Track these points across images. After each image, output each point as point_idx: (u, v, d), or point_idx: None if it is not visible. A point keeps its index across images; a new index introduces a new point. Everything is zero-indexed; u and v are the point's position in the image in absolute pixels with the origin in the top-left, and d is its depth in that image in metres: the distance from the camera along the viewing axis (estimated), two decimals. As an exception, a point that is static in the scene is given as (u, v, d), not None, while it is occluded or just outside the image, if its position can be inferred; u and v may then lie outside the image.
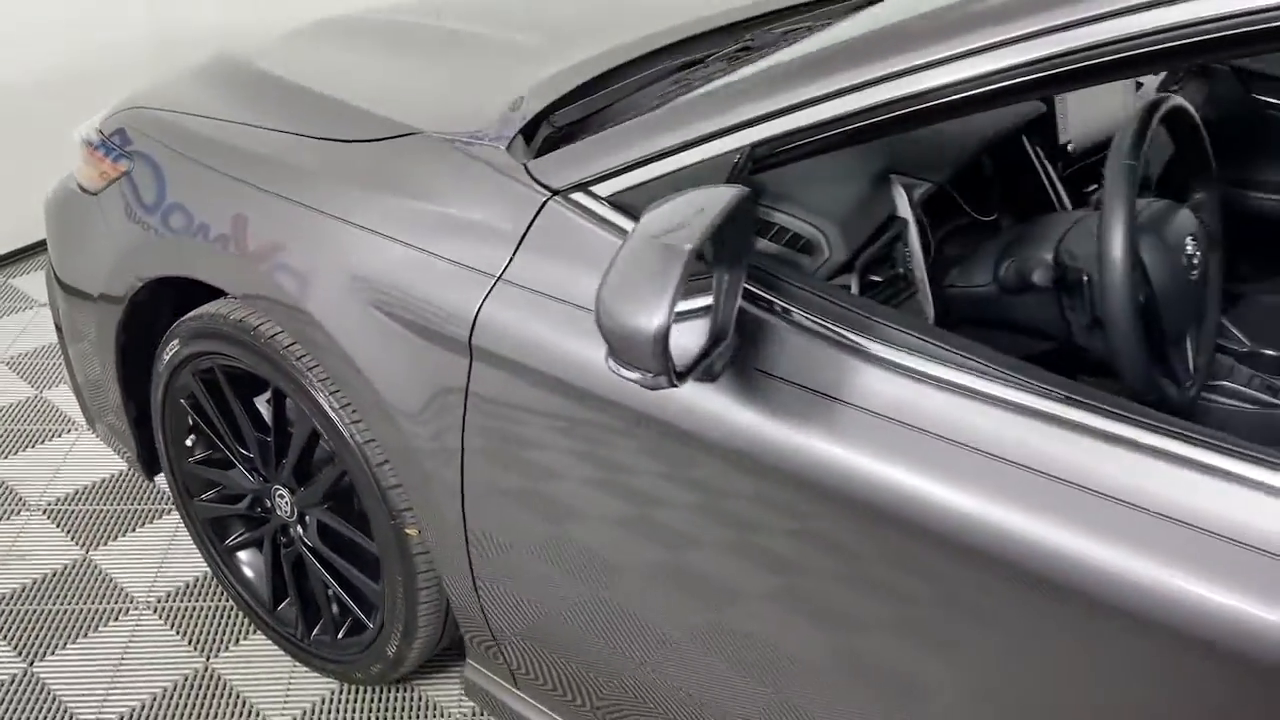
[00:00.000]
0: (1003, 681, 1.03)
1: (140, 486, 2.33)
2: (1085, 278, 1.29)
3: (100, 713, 1.84)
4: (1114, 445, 0.93)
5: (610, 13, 1.93)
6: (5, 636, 1.98)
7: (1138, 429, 0.93)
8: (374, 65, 1.86)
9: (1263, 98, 2.29)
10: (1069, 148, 1.62)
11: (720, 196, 0.99)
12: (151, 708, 1.86)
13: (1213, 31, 0.86)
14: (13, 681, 1.90)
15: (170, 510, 2.20)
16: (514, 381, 1.29)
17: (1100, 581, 0.91)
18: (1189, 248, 1.31)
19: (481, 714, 1.85)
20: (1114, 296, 1.21)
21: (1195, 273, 1.31)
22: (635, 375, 0.96)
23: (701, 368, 1.00)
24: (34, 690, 1.88)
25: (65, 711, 1.84)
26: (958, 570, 1.00)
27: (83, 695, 1.88)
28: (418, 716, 1.86)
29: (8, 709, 1.86)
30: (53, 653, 1.96)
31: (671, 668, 1.30)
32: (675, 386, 0.95)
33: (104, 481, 2.38)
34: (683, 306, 0.98)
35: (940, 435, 1.00)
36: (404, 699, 1.89)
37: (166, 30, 3.49)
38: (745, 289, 1.10)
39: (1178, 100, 1.43)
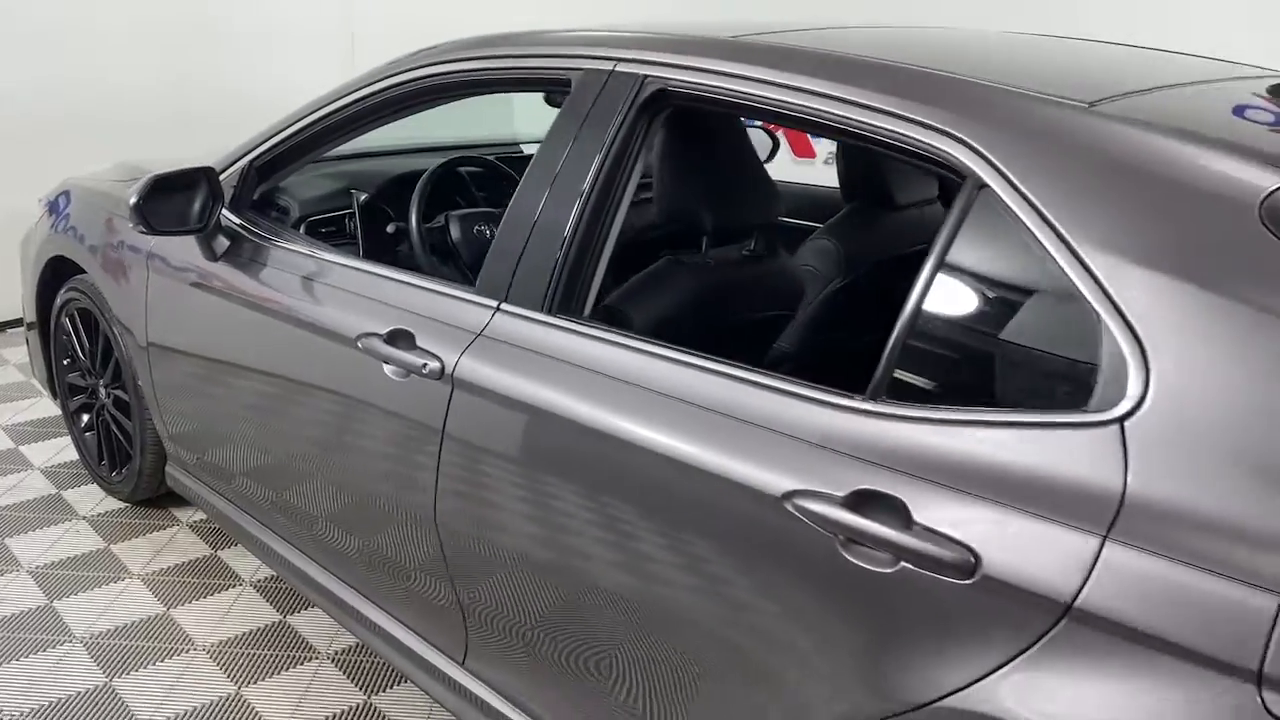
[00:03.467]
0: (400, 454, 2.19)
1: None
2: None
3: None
4: (411, 289, 2.00)
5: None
6: None
7: (433, 283, 2.07)
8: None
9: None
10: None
11: (186, 168, 2.33)
12: None
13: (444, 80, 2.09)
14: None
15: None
16: (164, 278, 2.60)
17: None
18: (479, 228, 2.58)
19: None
20: (414, 241, 2.50)
21: (482, 236, 2.58)
22: (132, 226, 2.28)
23: (174, 234, 2.32)
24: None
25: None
26: (348, 352, 2.14)
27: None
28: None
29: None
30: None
31: (265, 439, 2.45)
32: (151, 234, 2.27)
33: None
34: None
35: (329, 284, 2.18)
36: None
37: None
38: (250, 229, 2.41)
39: (465, 161, 2.77)
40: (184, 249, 2.49)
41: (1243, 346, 1.13)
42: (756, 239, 2.12)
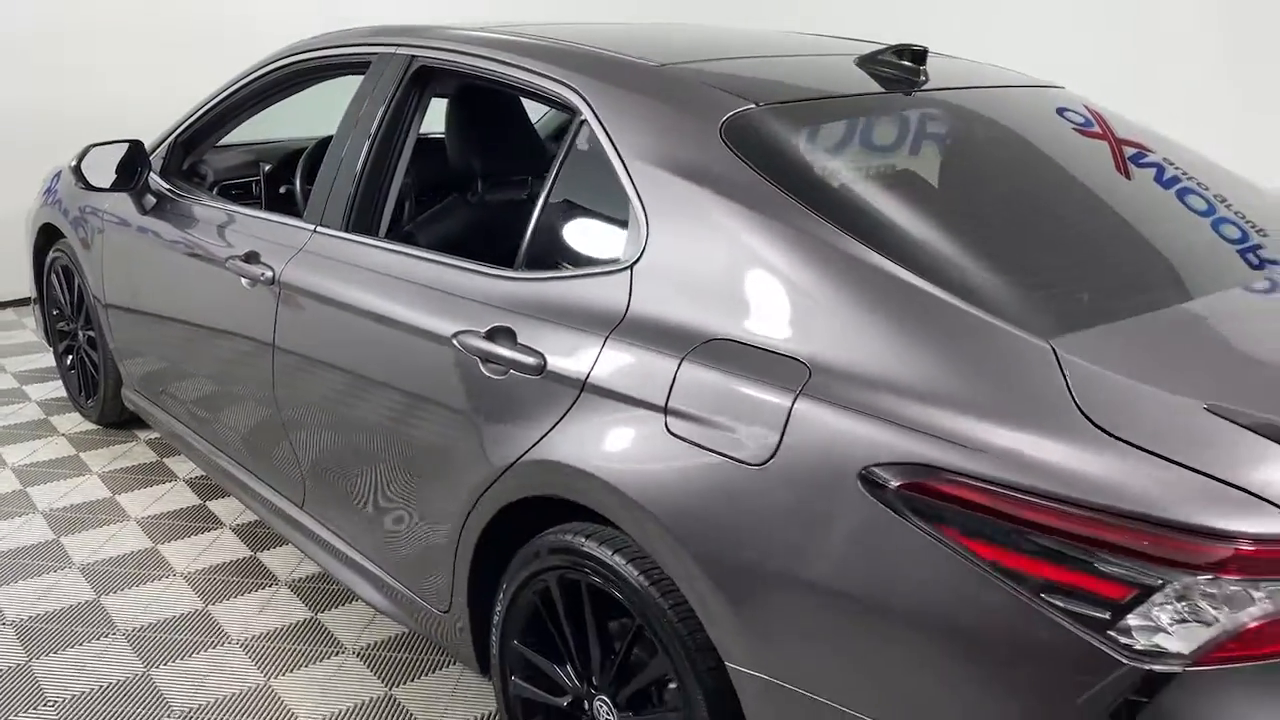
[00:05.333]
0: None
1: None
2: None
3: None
4: (265, 222, 2.72)
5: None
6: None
7: (279, 217, 2.78)
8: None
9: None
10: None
11: (119, 139, 3.01)
12: None
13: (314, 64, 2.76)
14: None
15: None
16: (113, 232, 3.29)
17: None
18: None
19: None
20: (298, 198, 3.15)
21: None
22: (75, 184, 2.96)
23: (107, 191, 3.00)
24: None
25: None
26: (220, 272, 2.85)
27: None
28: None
29: None
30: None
31: (179, 354, 3.16)
32: (87, 190, 2.95)
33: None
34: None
35: (220, 227, 2.86)
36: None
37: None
38: (173, 190, 3.09)
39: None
40: (125, 208, 3.18)
41: (701, 217, 1.72)
42: (533, 186, 2.73)
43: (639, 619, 1.69)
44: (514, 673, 1.99)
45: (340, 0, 5.11)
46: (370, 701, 2.36)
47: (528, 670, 1.96)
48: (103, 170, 3.02)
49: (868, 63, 2.14)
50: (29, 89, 5.42)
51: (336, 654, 2.53)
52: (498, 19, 2.75)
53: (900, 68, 2.11)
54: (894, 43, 2.15)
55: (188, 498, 3.33)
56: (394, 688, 2.41)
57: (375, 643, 2.56)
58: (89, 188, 3.00)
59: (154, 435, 3.79)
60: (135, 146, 3.04)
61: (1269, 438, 1.24)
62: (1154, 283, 1.69)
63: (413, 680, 2.44)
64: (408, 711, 2.32)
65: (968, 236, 1.70)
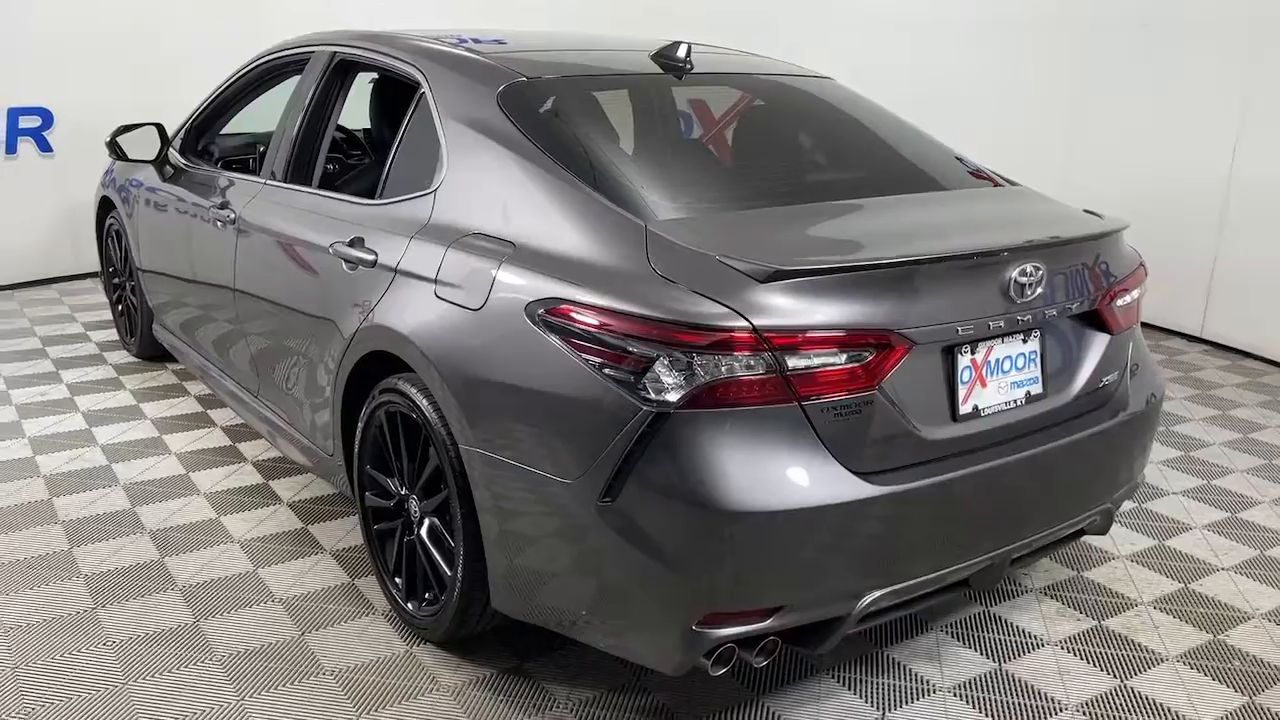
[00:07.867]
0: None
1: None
2: None
3: None
4: (240, 182, 3.58)
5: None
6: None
7: (247, 177, 3.62)
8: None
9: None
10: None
11: (143, 122, 3.88)
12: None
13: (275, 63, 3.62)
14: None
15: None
16: (144, 196, 4.17)
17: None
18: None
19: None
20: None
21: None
22: (108, 156, 3.84)
23: (134, 162, 3.87)
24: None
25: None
26: (207, 221, 3.71)
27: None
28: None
29: None
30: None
31: (187, 292, 4.02)
32: (118, 160, 3.83)
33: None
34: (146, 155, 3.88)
35: (215, 188, 3.71)
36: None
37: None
38: (188, 164, 3.95)
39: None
40: (152, 178, 4.06)
41: (475, 154, 2.46)
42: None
43: (425, 431, 2.42)
44: (367, 490, 2.73)
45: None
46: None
47: (374, 486, 2.70)
48: (139, 149, 3.89)
49: (658, 55, 2.86)
50: (127, 86, 6.28)
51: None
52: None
53: (672, 57, 2.81)
54: (673, 40, 2.86)
55: (194, 407, 4.17)
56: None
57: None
58: (119, 158, 3.88)
59: (180, 367, 4.66)
60: (157, 127, 3.91)
61: (747, 275, 1.92)
62: (765, 194, 2.37)
63: None
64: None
65: (637, 166, 2.43)
